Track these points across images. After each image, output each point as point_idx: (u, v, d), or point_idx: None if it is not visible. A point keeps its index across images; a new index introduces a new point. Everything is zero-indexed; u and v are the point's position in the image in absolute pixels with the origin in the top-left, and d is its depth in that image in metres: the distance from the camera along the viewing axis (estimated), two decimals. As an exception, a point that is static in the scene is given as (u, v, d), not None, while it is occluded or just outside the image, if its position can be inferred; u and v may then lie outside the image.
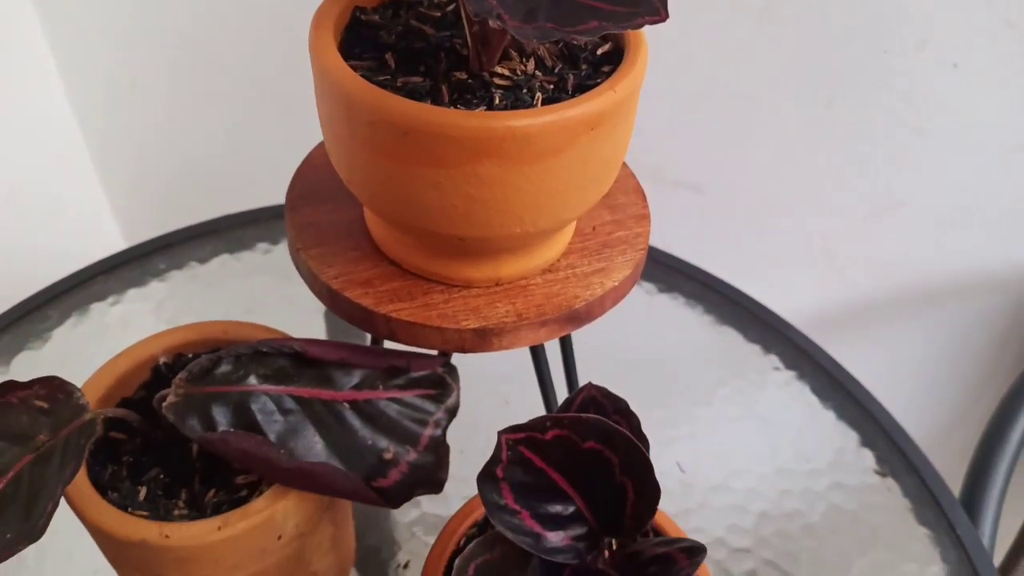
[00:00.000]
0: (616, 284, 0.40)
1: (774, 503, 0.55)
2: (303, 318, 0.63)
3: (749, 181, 0.76)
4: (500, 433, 0.30)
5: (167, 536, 0.36)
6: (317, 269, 0.39)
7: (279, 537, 0.38)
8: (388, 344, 0.43)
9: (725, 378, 0.62)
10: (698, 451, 0.57)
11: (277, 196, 0.70)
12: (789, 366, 0.62)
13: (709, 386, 0.62)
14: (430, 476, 0.40)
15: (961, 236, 0.77)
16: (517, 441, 0.30)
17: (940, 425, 0.92)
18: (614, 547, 0.34)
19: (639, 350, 0.64)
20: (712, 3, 0.68)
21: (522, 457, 0.31)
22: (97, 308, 0.62)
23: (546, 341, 0.39)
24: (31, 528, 0.35)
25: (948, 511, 0.55)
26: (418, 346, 0.39)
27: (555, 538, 0.33)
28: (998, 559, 0.68)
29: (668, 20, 0.26)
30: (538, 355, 0.45)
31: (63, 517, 0.50)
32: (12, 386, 0.37)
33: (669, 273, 0.68)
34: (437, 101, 0.32)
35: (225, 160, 0.85)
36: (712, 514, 0.54)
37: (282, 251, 0.67)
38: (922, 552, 0.53)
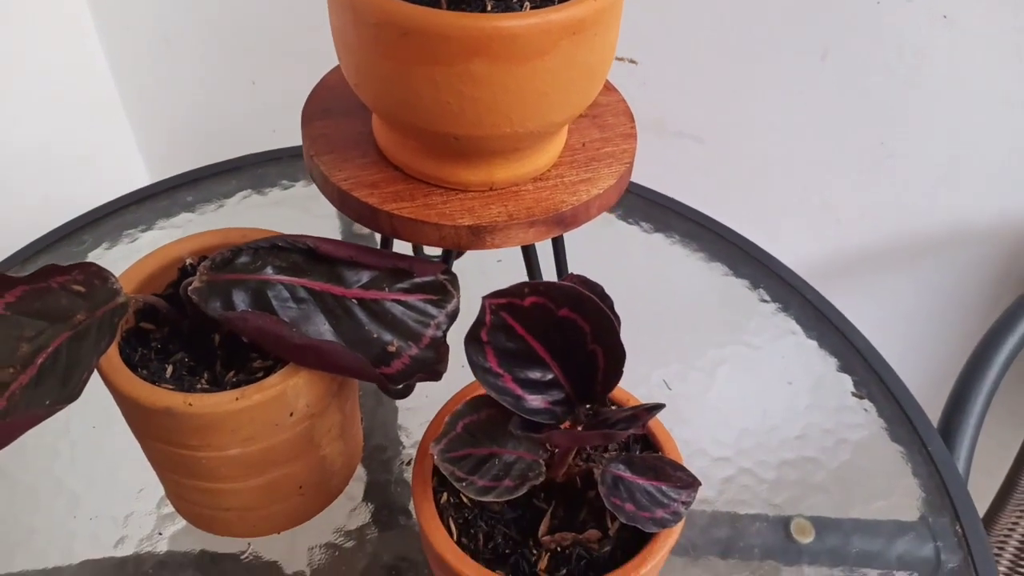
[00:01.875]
0: (601, 192, 0.43)
1: (756, 420, 0.58)
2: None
3: (748, 132, 0.80)
4: (484, 298, 0.34)
5: (190, 404, 0.40)
6: (328, 172, 0.43)
7: (291, 414, 0.43)
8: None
9: (714, 308, 0.66)
10: (685, 372, 0.61)
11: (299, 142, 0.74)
12: (776, 299, 0.66)
13: (698, 315, 0.65)
14: (430, 367, 0.44)
15: (953, 188, 0.80)
16: (499, 306, 0.34)
17: (931, 373, 0.95)
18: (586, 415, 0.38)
19: (634, 283, 0.68)
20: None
21: (504, 323, 0.35)
22: (128, 235, 0.66)
23: (535, 241, 0.43)
24: (68, 393, 0.39)
25: (921, 431, 0.58)
26: (418, 242, 0.43)
27: (535, 401, 0.37)
28: (977, 494, 0.71)
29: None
30: (530, 260, 0.48)
31: (94, 418, 0.55)
32: (52, 271, 0.42)
33: (664, 213, 0.72)
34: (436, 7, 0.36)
35: (251, 111, 0.90)
36: (696, 428, 0.58)
37: (302, 188, 0.71)
38: (894, 467, 0.57)
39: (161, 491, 0.52)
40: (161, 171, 0.96)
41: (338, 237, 0.69)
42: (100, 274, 0.42)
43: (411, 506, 0.52)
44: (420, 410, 0.58)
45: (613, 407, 0.41)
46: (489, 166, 0.42)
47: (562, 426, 0.38)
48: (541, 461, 0.38)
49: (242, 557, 0.49)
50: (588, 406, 0.38)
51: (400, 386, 0.55)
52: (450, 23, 0.34)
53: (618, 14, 0.38)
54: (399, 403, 0.58)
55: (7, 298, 0.42)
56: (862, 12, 0.71)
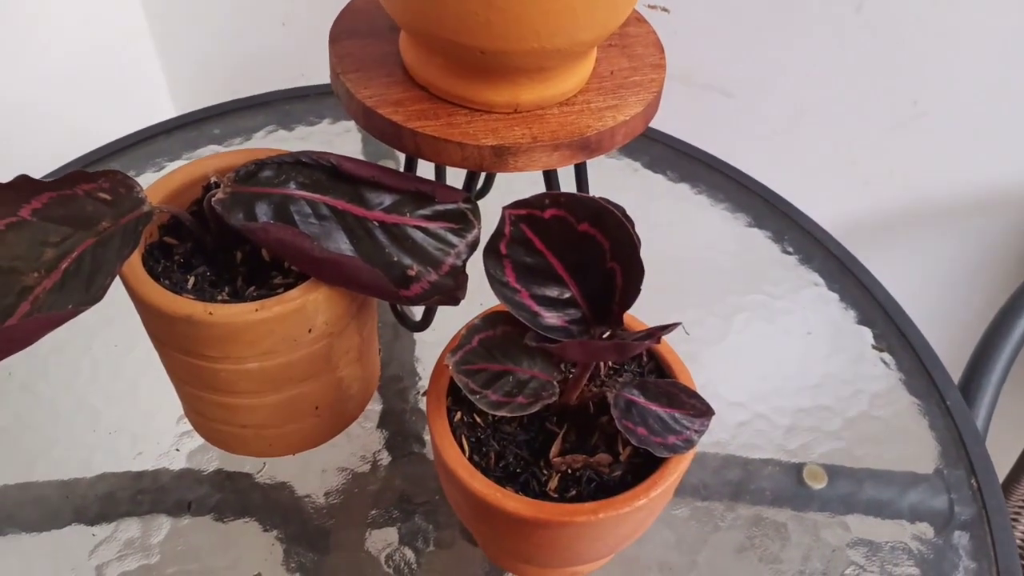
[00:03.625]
0: (627, 119, 0.43)
1: (772, 367, 0.58)
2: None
3: (777, 86, 0.79)
4: (504, 208, 0.34)
5: (211, 313, 0.40)
6: (354, 89, 0.43)
7: (309, 330, 0.43)
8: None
9: (735, 257, 0.65)
10: (703, 318, 0.61)
11: (325, 80, 0.74)
12: (798, 250, 0.65)
13: (719, 263, 0.65)
14: (449, 292, 0.44)
15: (985, 152, 0.79)
16: (519, 217, 0.34)
17: (955, 335, 0.94)
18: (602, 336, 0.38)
19: (657, 230, 0.67)
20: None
21: (524, 236, 0.35)
22: (155, 164, 0.67)
23: (558, 166, 0.43)
24: (91, 296, 0.40)
25: (940, 385, 0.58)
26: (440, 162, 0.42)
27: (551, 318, 0.37)
28: (997, 461, 0.70)
29: None
30: (551, 187, 0.48)
31: (116, 338, 0.55)
32: (79, 177, 0.42)
33: (690, 163, 0.71)
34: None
35: (279, 51, 0.90)
36: (712, 372, 0.58)
37: (327, 125, 0.71)
38: (911, 419, 0.56)
39: (179, 410, 0.52)
40: (187, 105, 0.96)
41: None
42: (126, 183, 0.42)
43: (425, 435, 0.53)
44: (437, 344, 0.58)
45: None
46: (515, 86, 0.41)
47: (578, 347, 0.38)
48: (555, 382, 0.39)
49: (256, 476, 0.50)
50: (604, 328, 0.38)
51: (419, 319, 0.56)
52: (480, -71, 0.34)
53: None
54: (416, 336, 0.59)
55: (33, 204, 0.42)
56: (901, -37, 0.69)
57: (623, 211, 0.38)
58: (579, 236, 0.35)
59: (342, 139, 0.71)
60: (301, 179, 0.43)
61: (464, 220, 0.46)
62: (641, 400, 0.39)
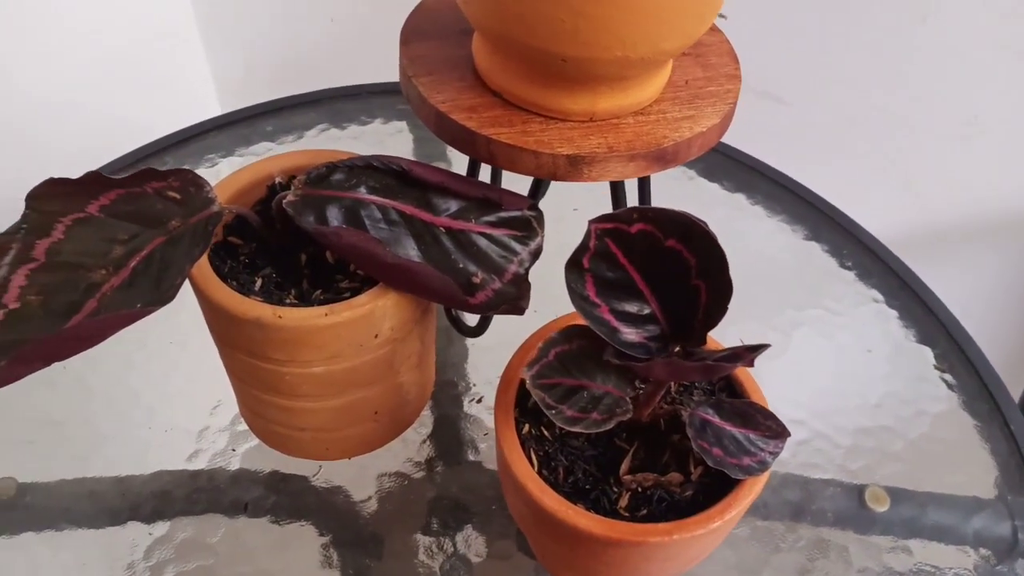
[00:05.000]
0: (704, 130, 0.42)
1: (832, 383, 0.57)
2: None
3: (834, 95, 0.77)
4: (590, 222, 0.33)
5: (280, 316, 0.40)
6: (427, 94, 0.42)
7: (376, 336, 0.42)
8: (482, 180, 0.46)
9: (793, 270, 0.64)
10: (761, 332, 0.60)
11: (375, 79, 0.74)
12: (857, 266, 0.64)
13: (777, 276, 0.64)
14: (513, 301, 0.43)
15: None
16: (605, 231, 0.33)
17: (1012, 352, 0.92)
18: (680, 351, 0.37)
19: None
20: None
21: (607, 250, 0.34)
22: (209, 159, 0.66)
23: (633, 176, 0.42)
24: (161, 296, 0.39)
25: (1004, 408, 0.56)
26: (514, 170, 0.42)
27: (630, 334, 0.36)
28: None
29: None
30: (619, 201, 0.47)
31: (171, 334, 0.55)
32: (149, 175, 0.41)
33: (747, 173, 0.70)
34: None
35: (326, 49, 0.89)
36: (771, 388, 0.56)
37: (379, 124, 0.71)
38: (973, 442, 0.55)
39: (235, 409, 0.52)
40: (233, 100, 0.96)
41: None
42: (196, 181, 0.42)
43: (480, 442, 0.52)
44: (491, 349, 0.57)
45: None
46: (592, 94, 0.41)
47: (654, 363, 0.38)
48: (628, 399, 0.38)
49: (312, 479, 0.50)
50: (681, 345, 0.37)
51: (474, 325, 0.55)
52: (574, -65, 0.33)
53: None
54: (470, 342, 0.58)
55: (101, 200, 0.42)
56: (969, -25, 0.68)
57: (706, 226, 0.37)
58: (664, 252, 0.34)
59: (394, 139, 0.70)
60: (372, 183, 0.43)
61: (528, 228, 0.45)
62: (716, 420, 0.38)
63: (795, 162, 0.75)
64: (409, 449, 0.51)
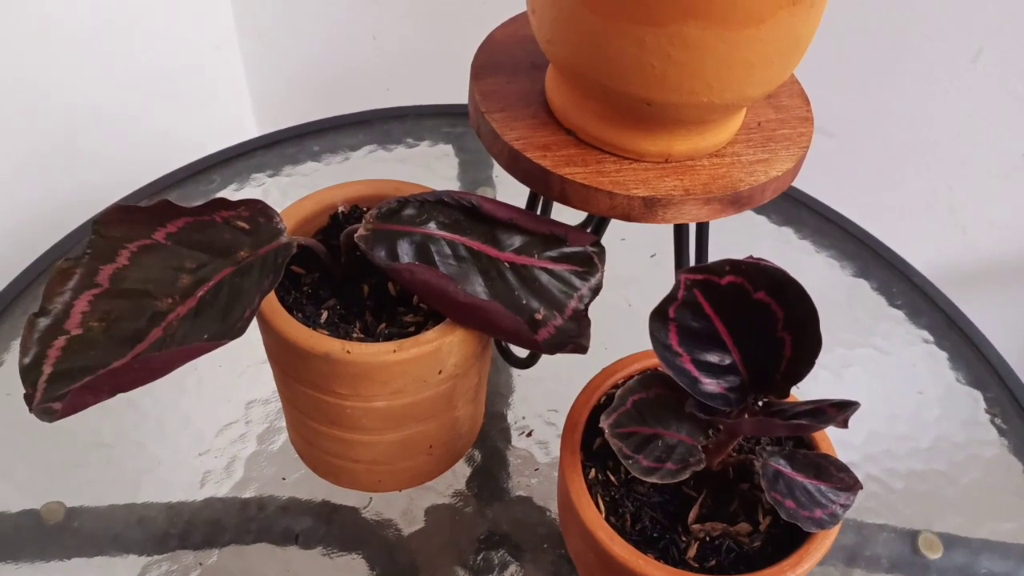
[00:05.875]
0: (779, 175, 0.42)
1: (885, 425, 0.56)
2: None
3: (883, 129, 0.77)
4: (680, 272, 0.33)
5: (348, 352, 0.40)
6: (500, 131, 0.42)
7: (439, 371, 0.42)
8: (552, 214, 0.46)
9: (842, 308, 0.63)
10: (813, 371, 0.59)
11: (416, 103, 0.73)
12: (907, 305, 0.63)
13: (827, 314, 0.63)
14: (575, 339, 0.43)
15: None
16: (694, 282, 0.33)
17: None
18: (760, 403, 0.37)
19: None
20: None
21: (694, 300, 0.34)
22: (256, 179, 0.66)
23: (708, 220, 0.41)
24: (228, 328, 0.39)
25: (1057, 456, 0.56)
26: (587, 210, 0.41)
27: (710, 385, 0.35)
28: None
29: None
30: (681, 239, 0.47)
31: (220, 359, 0.55)
32: (219, 204, 0.41)
33: (795, 206, 0.69)
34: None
35: (368, 67, 0.89)
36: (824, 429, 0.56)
37: (426, 147, 0.70)
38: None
39: (284, 436, 0.51)
40: (274, 116, 0.96)
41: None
42: (265, 212, 0.41)
43: (531, 477, 0.52)
44: (539, 380, 0.57)
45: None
46: (670, 136, 0.40)
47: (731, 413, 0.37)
48: (700, 447, 0.37)
49: (363, 511, 0.49)
50: (760, 395, 0.37)
51: (524, 356, 0.55)
52: (673, -18, 0.32)
53: (832, -11, 0.36)
54: (516, 371, 0.58)
55: (168, 228, 0.42)
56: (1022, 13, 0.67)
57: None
58: (752, 303, 0.33)
59: (441, 162, 0.70)
60: (441, 218, 0.42)
61: (589, 263, 0.44)
62: (788, 471, 0.37)
63: (841, 195, 0.74)
64: (458, 481, 0.51)
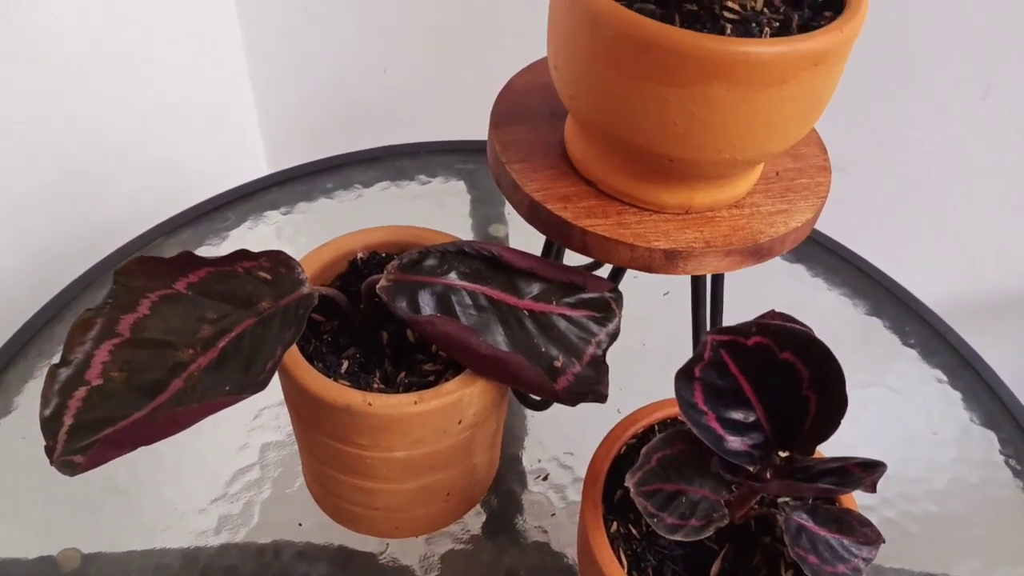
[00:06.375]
0: (798, 225, 0.42)
1: (899, 467, 0.56)
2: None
3: (893, 164, 0.77)
4: (707, 333, 0.33)
5: (370, 404, 0.40)
6: (521, 182, 0.42)
7: (459, 421, 0.42)
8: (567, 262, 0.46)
9: (856, 346, 0.64)
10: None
11: (425, 136, 0.74)
12: (920, 344, 0.63)
13: (840, 352, 0.63)
14: (593, 388, 0.43)
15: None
16: (721, 343, 0.33)
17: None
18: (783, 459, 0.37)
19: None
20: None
21: (720, 360, 0.34)
22: (270, 215, 0.66)
23: (727, 271, 0.42)
24: (249, 381, 0.39)
25: (1073, 498, 0.56)
26: (608, 261, 0.41)
27: (734, 442, 0.35)
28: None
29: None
30: (699, 287, 0.47)
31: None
32: (241, 256, 0.41)
33: (807, 244, 0.70)
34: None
35: (379, 99, 0.89)
36: (838, 471, 0.56)
37: (439, 184, 0.71)
38: (1042, 533, 0.54)
39: (301, 480, 0.51)
40: (281, 145, 0.96)
41: (471, 236, 0.69)
42: (287, 262, 0.41)
43: (545, 522, 0.51)
44: (552, 421, 0.57)
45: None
46: (691, 190, 0.40)
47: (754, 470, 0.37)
48: (723, 502, 0.37)
49: (380, 558, 0.49)
50: (784, 451, 0.36)
51: (539, 399, 0.55)
52: (697, 44, 0.33)
53: (853, 45, 0.37)
54: (530, 412, 0.58)
55: (190, 278, 0.42)
56: (1034, 53, 0.68)
57: (811, 333, 0.36)
58: (778, 363, 0.33)
59: (454, 199, 0.70)
60: (462, 268, 0.42)
61: (607, 309, 0.45)
62: (811, 525, 0.37)
63: (851, 227, 0.74)
64: (475, 526, 0.51)
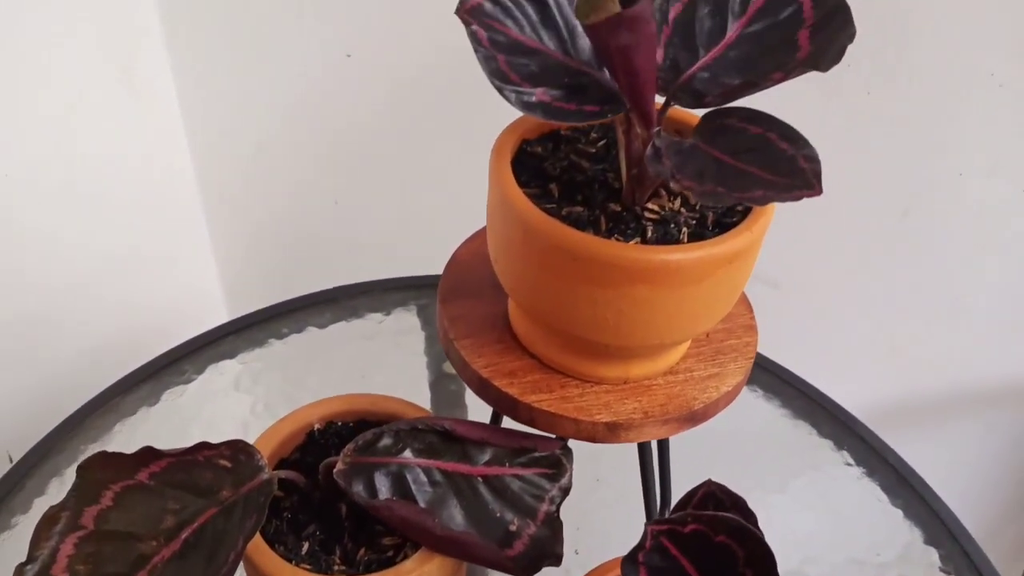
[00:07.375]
0: (729, 389, 0.45)
1: (846, 590, 0.59)
2: (411, 384, 0.69)
3: (825, 280, 0.81)
4: (647, 525, 0.35)
5: (330, 590, 0.41)
6: (469, 359, 0.45)
7: (418, 598, 0.43)
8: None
9: (799, 469, 0.66)
10: (773, 537, 0.61)
11: (379, 271, 0.76)
12: (860, 462, 0.66)
13: (784, 476, 0.66)
14: (549, 549, 0.45)
15: (1021, 343, 0.82)
16: (660, 532, 0.35)
17: (993, 519, 0.95)
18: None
19: (717, 437, 0.68)
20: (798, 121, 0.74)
21: (661, 545, 0.36)
22: (226, 365, 0.68)
23: (666, 436, 0.44)
24: (212, 574, 0.40)
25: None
26: (554, 433, 0.44)
27: (680, 617, 0.37)
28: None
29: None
30: (645, 453, 0.49)
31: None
32: (202, 446, 0.43)
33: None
34: (597, 230, 0.38)
35: (330, 233, 0.92)
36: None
37: (392, 322, 0.73)
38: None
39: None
40: (234, 281, 0.98)
41: (427, 376, 0.71)
42: (246, 450, 0.43)
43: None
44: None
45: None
46: (627, 364, 0.43)
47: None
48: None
49: None
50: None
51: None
52: (622, 254, 0.36)
53: (764, 238, 0.40)
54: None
55: (152, 467, 0.43)
56: (945, 180, 0.73)
57: (744, 504, 0.39)
58: (714, 545, 0.36)
59: (407, 338, 0.72)
60: (416, 445, 0.44)
61: (557, 464, 0.47)
62: None
63: (785, 340, 0.78)
64: None
